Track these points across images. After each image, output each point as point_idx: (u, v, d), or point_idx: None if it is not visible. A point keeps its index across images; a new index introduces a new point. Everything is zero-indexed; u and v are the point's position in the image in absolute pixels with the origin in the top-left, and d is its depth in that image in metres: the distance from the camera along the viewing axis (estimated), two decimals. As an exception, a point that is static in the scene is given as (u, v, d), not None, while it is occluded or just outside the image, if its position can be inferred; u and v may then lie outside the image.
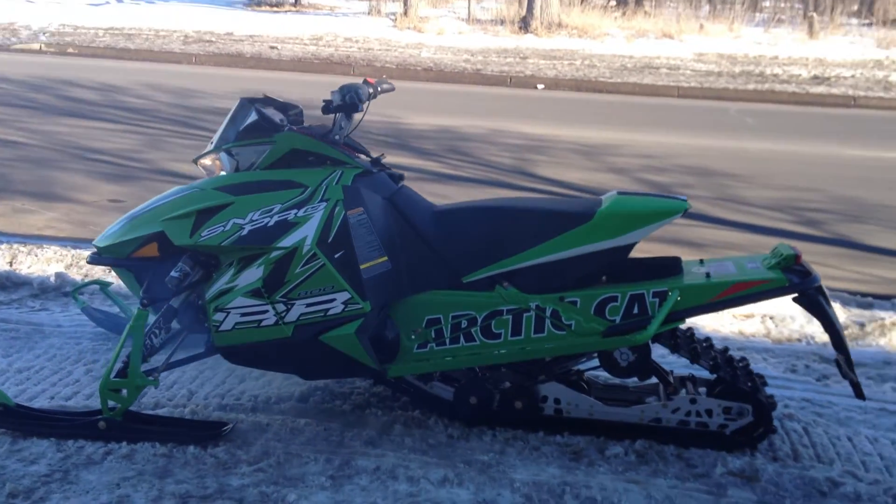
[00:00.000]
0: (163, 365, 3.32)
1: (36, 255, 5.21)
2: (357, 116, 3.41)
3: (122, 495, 2.90)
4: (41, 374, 3.80)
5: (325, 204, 3.17)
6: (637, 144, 10.25)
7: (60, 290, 4.75)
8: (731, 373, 3.33)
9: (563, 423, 3.40)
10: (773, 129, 12.22)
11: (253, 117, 3.29)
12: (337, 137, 3.36)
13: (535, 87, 15.45)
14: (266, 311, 3.15)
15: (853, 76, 16.59)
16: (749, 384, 3.32)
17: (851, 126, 12.98)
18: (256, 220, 3.16)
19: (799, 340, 4.72)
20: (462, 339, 3.31)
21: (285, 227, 3.14)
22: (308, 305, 3.14)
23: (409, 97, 13.51)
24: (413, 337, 3.33)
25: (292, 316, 3.15)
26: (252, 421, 3.38)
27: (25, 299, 4.64)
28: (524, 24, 19.68)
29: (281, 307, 3.14)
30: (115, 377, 3.18)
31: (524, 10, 20.21)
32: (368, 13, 22.43)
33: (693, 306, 3.23)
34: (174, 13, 21.13)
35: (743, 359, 3.46)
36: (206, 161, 3.45)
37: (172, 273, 3.22)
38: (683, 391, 3.40)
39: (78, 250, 5.36)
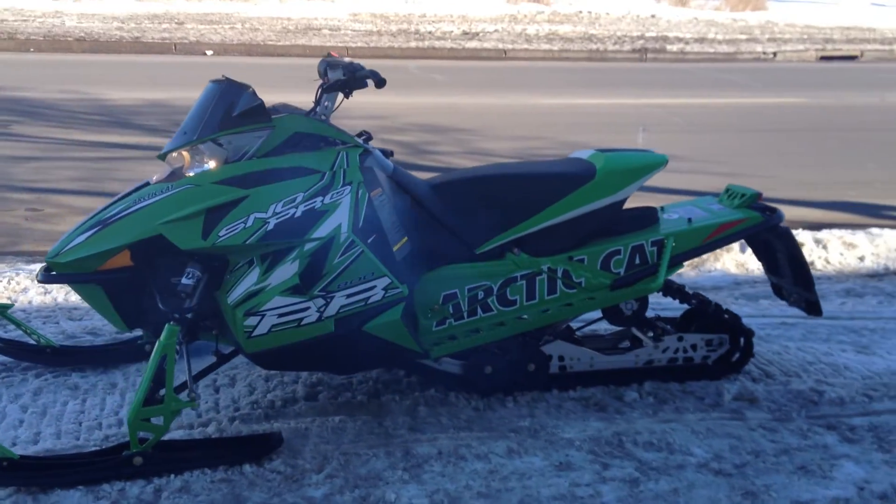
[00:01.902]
0: (190, 381, 2.98)
1: None
2: (340, 96, 3.24)
3: (210, 531, 2.62)
4: (-35, 421, 3.24)
5: (349, 188, 3.00)
6: (358, 107, 10.30)
7: None
8: (715, 309, 3.62)
9: (566, 379, 3.51)
10: (462, 83, 12.87)
11: (254, 101, 3.00)
12: (324, 117, 3.18)
13: (205, 54, 14.98)
14: (307, 309, 2.94)
15: (497, 31, 17.78)
16: (726, 315, 3.63)
17: (519, 76, 13.95)
18: (280, 212, 2.91)
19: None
20: (479, 310, 3.31)
21: (314, 216, 2.93)
22: (348, 297, 2.97)
23: (78, 70, 12.59)
24: (430, 315, 3.27)
25: (332, 310, 2.97)
26: (283, 428, 3.14)
27: None
28: (168, -11, 18.86)
29: (320, 302, 2.95)
30: (146, 405, 2.82)
31: (165, -27, 19.34)
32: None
33: (687, 250, 3.47)
34: None
35: (697, 294, 3.76)
36: (178, 154, 3.10)
37: (184, 280, 2.90)
38: (658, 332, 3.63)
39: None
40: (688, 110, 11.30)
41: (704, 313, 3.64)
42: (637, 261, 3.41)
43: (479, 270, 3.29)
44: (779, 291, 3.82)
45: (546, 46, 16.66)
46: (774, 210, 3.56)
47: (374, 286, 2.99)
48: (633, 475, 2.95)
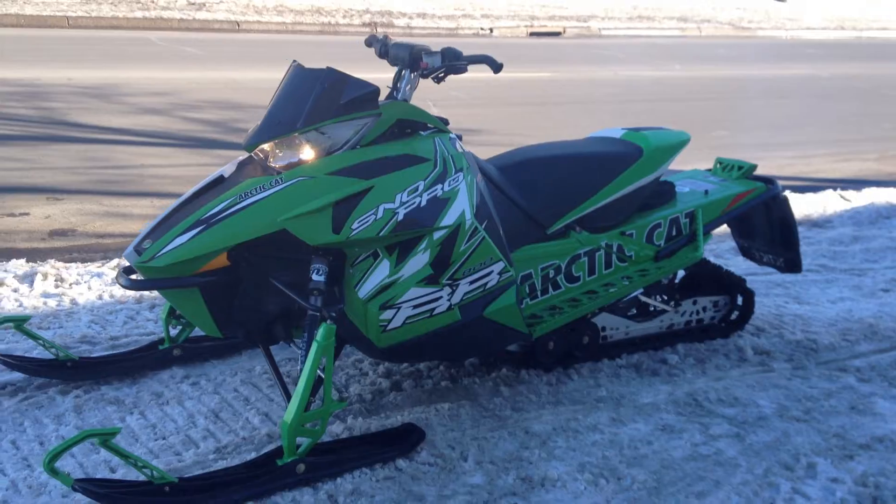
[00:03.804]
0: (330, 380, 2.82)
1: None
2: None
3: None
4: (19, 450, 2.88)
5: (461, 174, 2.98)
6: (137, 82, 9.71)
7: None
8: (726, 273, 3.94)
9: (608, 348, 3.69)
10: (220, 57, 12.44)
11: (367, 87, 2.88)
12: (406, 101, 3.13)
13: None
14: (439, 298, 2.90)
15: (223, 2, 17.24)
16: (734, 278, 3.95)
17: (266, 49, 13.67)
18: (407, 201, 2.84)
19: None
20: (550, 288, 3.40)
21: (438, 204, 2.89)
22: (471, 283, 2.97)
23: None
24: (509, 296, 3.31)
25: (457, 297, 2.95)
26: (402, 420, 3.07)
27: None
28: None
29: (448, 290, 2.92)
30: (306, 410, 2.66)
31: None
32: None
33: (712, 220, 3.74)
34: None
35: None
36: (268, 145, 2.91)
37: (315, 277, 2.74)
38: (675, 298, 3.89)
39: None
40: (459, 84, 11.63)
41: (714, 277, 3.94)
42: (674, 232, 3.64)
43: (551, 250, 3.37)
44: (747, 252, 4.19)
45: (278, 19, 16.44)
46: (771, 180, 3.92)
47: (491, 271, 3.00)
48: (733, 430, 3.17)
